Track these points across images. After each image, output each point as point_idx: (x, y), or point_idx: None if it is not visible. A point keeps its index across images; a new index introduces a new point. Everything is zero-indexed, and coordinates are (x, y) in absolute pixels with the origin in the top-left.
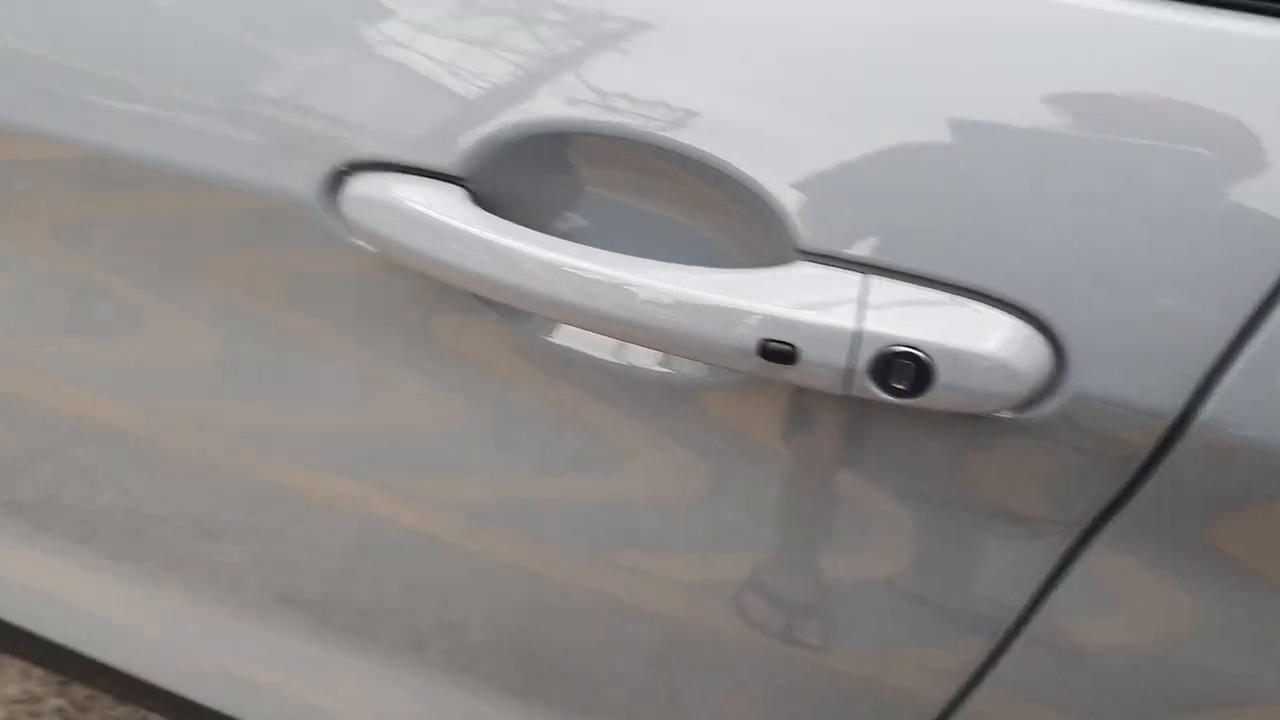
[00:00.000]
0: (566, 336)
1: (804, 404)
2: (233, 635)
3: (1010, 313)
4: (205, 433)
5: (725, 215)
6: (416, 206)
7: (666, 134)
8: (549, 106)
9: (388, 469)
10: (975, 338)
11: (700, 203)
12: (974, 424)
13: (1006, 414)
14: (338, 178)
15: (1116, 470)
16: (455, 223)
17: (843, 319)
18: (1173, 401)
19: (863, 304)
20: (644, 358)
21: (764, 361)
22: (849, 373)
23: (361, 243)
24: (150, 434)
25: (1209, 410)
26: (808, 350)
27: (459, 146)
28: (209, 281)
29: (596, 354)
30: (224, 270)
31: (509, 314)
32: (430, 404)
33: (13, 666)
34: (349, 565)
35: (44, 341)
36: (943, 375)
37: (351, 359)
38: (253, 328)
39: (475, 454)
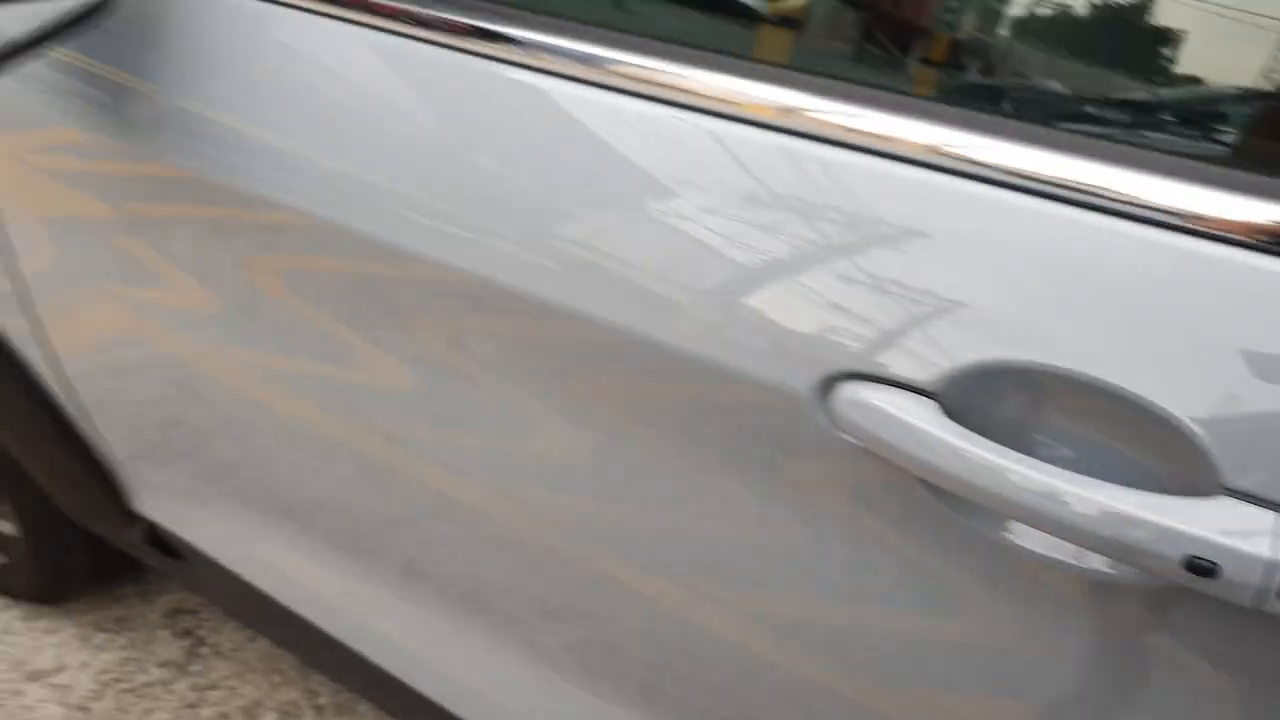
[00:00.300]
0: (1003, 528)
1: (1200, 610)
2: (561, 698)
3: None
4: (555, 524)
5: (1164, 453)
6: (903, 415)
7: (1122, 384)
8: (1014, 348)
9: (758, 589)
10: None
11: (1144, 439)
12: None
13: None
14: (829, 382)
15: None
16: (934, 430)
17: (1258, 549)
18: None
19: (1276, 536)
20: (1063, 550)
21: (1189, 574)
22: (1262, 592)
23: (846, 436)
24: (506, 518)
25: None
26: (1228, 570)
27: (939, 369)
28: (664, 432)
29: (1024, 543)
30: (664, 423)
31: (952, 501)
32: (841, 564)
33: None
34: (669, 660)
35: (432, 431)
36: None
37: (771, 506)
38: (652, 461)
39: (859, 596)
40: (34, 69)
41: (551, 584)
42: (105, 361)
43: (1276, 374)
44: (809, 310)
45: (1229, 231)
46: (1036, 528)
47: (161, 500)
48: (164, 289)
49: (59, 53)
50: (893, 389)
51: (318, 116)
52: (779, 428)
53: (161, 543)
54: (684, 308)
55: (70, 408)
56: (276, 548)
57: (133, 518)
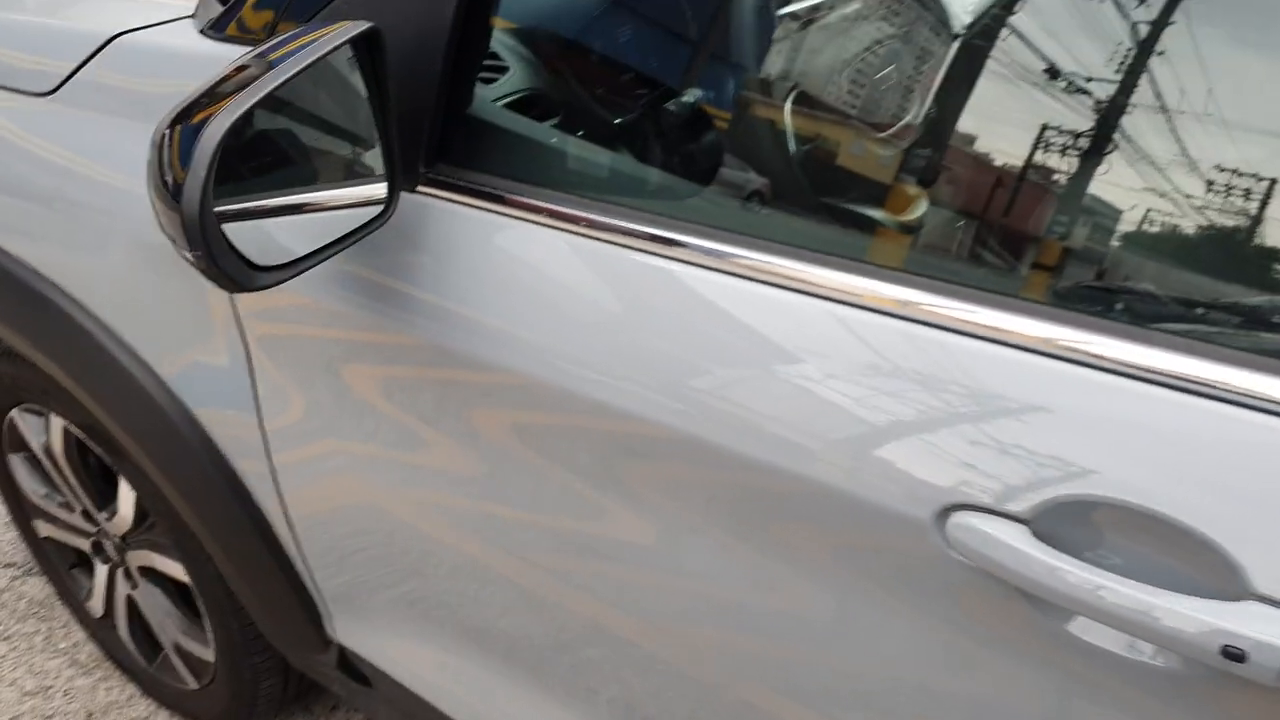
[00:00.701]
0: (1081, 628)
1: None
2: None
3: None
4: (705, 654)
5: (1205, 567)
6: (1004, 539)
7: (1185, 519)
8: (1092, 485)
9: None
10: None
11: (1190, 556)
12: None
13: None
14: (945, 511)
15: None
16: (1029, 551)
17: (1277, 639)
18: None
19: None
20: (1119, 643)
21: (1224, 659)
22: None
23: (958, 556)
24: (653, 646)
25: None
26: (1254, 656)
27: (1031, 502)
28: (799, 556)
29: (1098, 642)
30: (816, 551)
31: (1042, 607)
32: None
33: None
34: None
35: (613, 568)
36: None
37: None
38: (800, 591)
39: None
40: None
41: (694, 711)
42: (324, 505)
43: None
44: (928, 456)
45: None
46: (1108, 625)
47: (357, 628)
48: (380, 444)
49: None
50: (993, 517)
51: (529, 302)
52: (905, 550)
53: (350, 669)
54: (817, 453)
55: (289, 543)
56: (466, 673)
57: (327, 644)
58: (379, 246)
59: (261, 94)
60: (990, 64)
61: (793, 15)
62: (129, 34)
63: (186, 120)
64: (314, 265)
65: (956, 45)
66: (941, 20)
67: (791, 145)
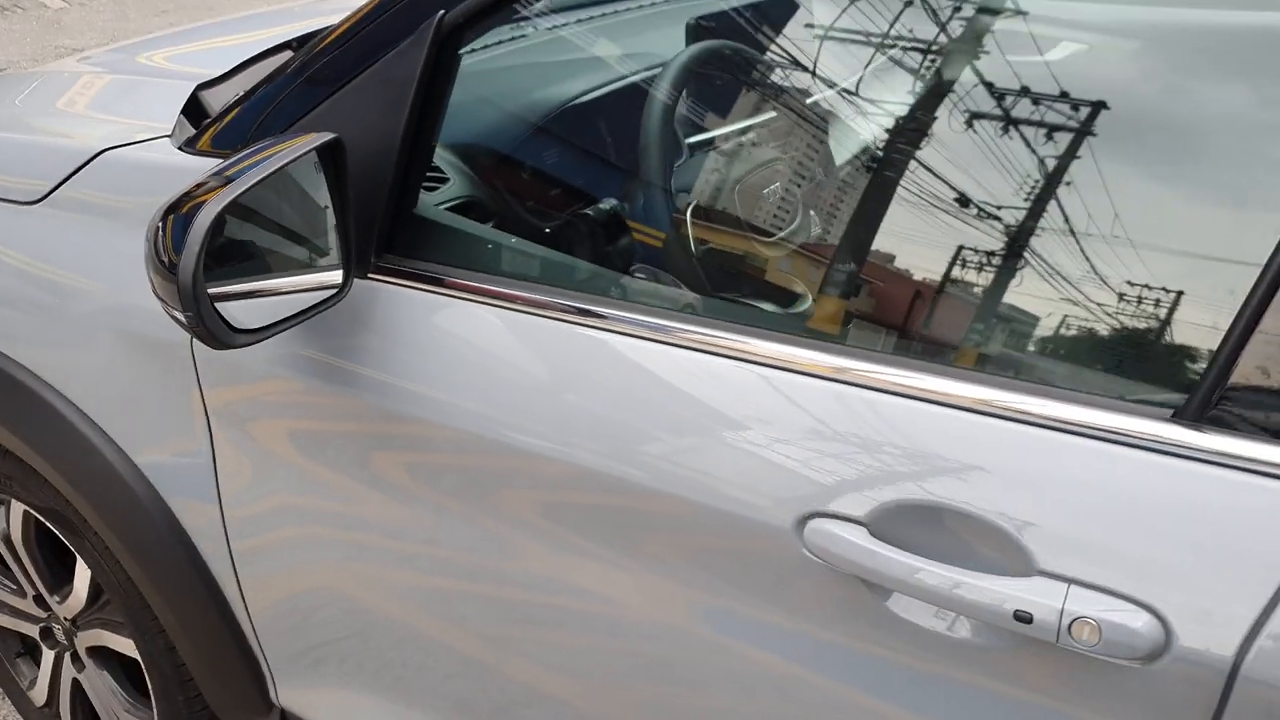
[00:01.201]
0: (903, 607)
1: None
2: None
3: (1141, 607)
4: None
5: (1001, 552)
6: (847, 536)
7: (986, 514)
8: (914, 491)
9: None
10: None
11: (974, 540)
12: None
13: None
14: (803, 519)
15: None
16: (865, 545)
17: (1056, 604)
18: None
19: (1064, 599)
20: (939, 621)
21: (1014, 621)
22: (1059, 631)
23: (808, 552)
24: (586, 703)
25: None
26: (1039, 618)
27: (863, 509)
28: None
29: (921, 620)
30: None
31: (875, 590)
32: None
33: None
34: None
35: (534, 632)
36: (1105, 633)
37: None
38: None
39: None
40: (263, 349)
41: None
42: (278, 585)
43: (1067, 504)
44: (786, 475)
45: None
46: (929, 602)
47: (299, 692)
48: (328, 508)
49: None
50: (839, 521)
51: (461, 371)
52: (772, 553)
53: None
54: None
55: (241, 614)
56: None
57: (270, 708)
58: (334, 328)
59: (246, 187)
60: (865, 181)
61: (696, 142)
62: (113, 150)
63: (177, 211)
64: (281, 331)
65: (837, 163)
66: (818, 144)
67: (692, 246)
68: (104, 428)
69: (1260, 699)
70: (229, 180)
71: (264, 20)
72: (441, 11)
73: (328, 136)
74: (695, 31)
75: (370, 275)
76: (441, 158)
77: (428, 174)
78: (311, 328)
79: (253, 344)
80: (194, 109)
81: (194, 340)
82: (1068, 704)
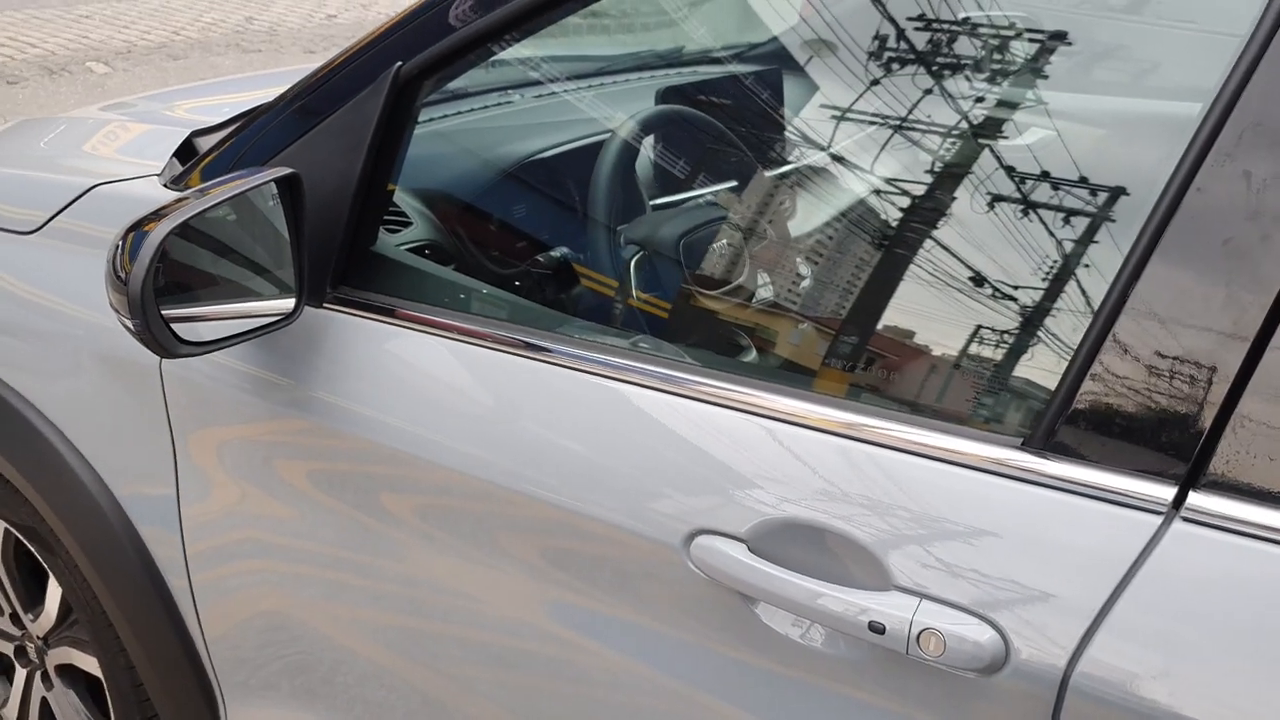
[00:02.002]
0: (777, 620)
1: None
2: None
3: (985, 621)
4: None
5: (856, 561)
6: (725, 550)
7: (850, 531)
8: (789, 509)
9: None
10: (971, 629)
11: (840, 556)
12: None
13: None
14: (690, 536)
15: None
16: (742, 559)
17: (907, 615)
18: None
19: (914, 611)
20: (805, 632)
21: (871, 632)
22: (908, 641)
23: (693, 566)
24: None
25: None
26: (890, 628)
27: (743, 527)
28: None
29: (788, 632)
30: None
31: (750, 603)
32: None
33: None
34: None
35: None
36: (950, 645)
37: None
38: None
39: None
40: (225, 373)
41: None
42: (227, 590)
43: (924, 523)
44: (676, 495)
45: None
46: (794, 613)
47: (249, 714)
48: (287, 535)
49: (239, 363)
50: (721, 537)
51: (405, 395)
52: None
53: None
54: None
55: (193, 629)
56: None
57: None
58: (289, 352)
59: (199, 210)
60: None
61: (652, 194)
62: (105, 185)
63: (138, 229)
64: (225, 347)
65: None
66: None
67: (632, 292)
68: (81, 450)
69: (1087, 712)
70: (186, 204)
71: (286, 78)
72: (399, 63)
73: (285, 171)
74: (663, 97)
75: (325, 304)
76: (406, 203)
77: (391, 216)
78: (267, 353)
79: (197, 354)
80: (188, 152)
81: (162, 366)
82: (917, 713)
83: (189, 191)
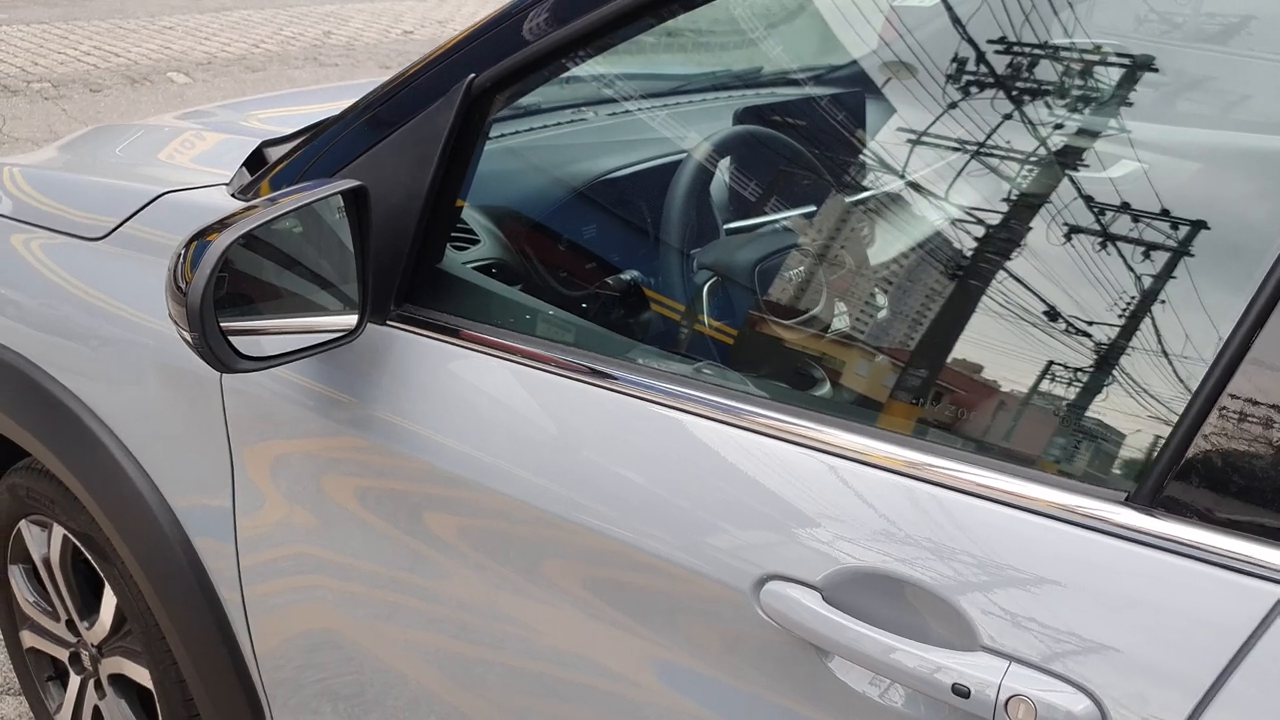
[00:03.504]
0: (852, 676)
1: None
2: None
3: (1080, 690)
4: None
5: (939, 618)
6: (798, 599)
7: (934, 586)
8: (864, 559)
9: None
10: (1065, 698)
11: (922, 611)
12: None
13: None
14: (761, 581)
15: None
16: (819, 610)
17: (995, 679)
18: None
19: (1003, 675)
20: (882, 691)
21: (954, 695)
22: (995, 707)
23: (762, 613)
24: None
25: None
26: (975, 692)
27: (818, 574)
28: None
29: (866, 691)
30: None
31: (824, 656)
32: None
33: None
34: None
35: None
36: (1041, 714)
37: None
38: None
39: None
40: (285, 387)
41: None
42: (280, 605)
43: (1016, 581)
44: (747, 540)
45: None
46: (872, 670)
47: None
48: (343, 553)
49: (300, 377)
50: (794, 584)
51: (468, 418)
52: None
53: None
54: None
55: (244, 645)
56: None
57: None
58: (351, 369)
59: (263, 220)
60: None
61: (730, 220)
62: (172, 193)
63: (201, 239)
64: (285, 363)
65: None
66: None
67: (703, 319)
68: (139, 458)
69: None
70: (252, 213)
71: (360, 90)
72: (472, 75)
73: (353, 183)
74: (740, 118)
75: (389, 322)
76: (475, 220)
77: (459, 233)
78: (329, 369)
79: (256, 370)
80: (258, 162)
81: (223, 378)
82: None
83: (256, 201)
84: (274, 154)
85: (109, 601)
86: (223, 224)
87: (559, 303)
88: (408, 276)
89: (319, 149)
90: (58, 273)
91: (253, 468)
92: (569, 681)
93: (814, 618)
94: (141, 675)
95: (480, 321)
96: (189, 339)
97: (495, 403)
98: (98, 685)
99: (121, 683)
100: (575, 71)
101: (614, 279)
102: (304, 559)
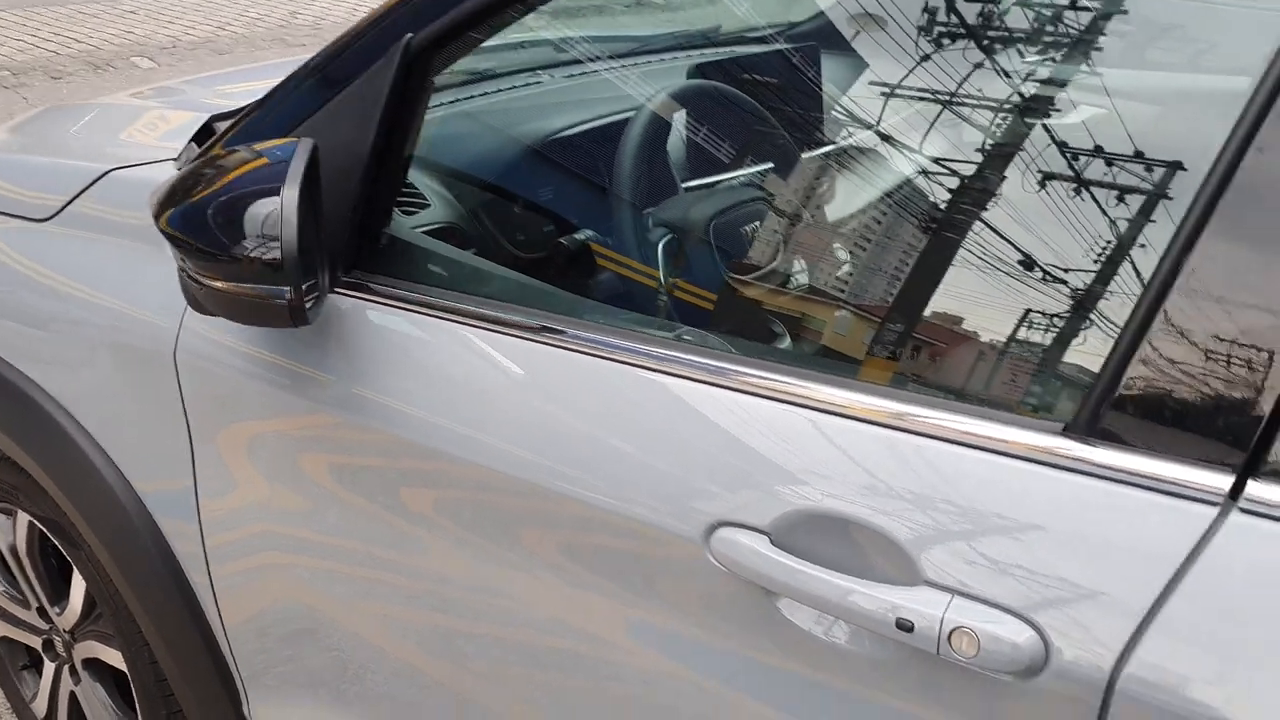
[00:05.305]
0: (800, 616)
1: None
2: None
3: (1023, 620)
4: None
5: (883, 555)
6: (745, 543)
7: (878, 523)
8: (809, 501)
9: None
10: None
11: (867, 550)
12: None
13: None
14: (711, 527)
15: None
16: (766, 553)
17: (937, 613)
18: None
19: (946, 609)
20: (829, 630)
21: (898, 630)
22: (939, 641)
23: (714, 560)
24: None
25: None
26: (919, 626)
27: (765, 519)
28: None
29: (812, 630)
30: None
31: (772, 598)
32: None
33: None
34: None
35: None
36: (985, 645)
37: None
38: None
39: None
40: (236, 359)
41: None
42: (248, 584)
43: (957, 515)
44: (697, 486)
45: None
46: (820, 609)
47: (272, 708)
48: (304, 526)
49: (261, 351)
50: (742, 530)
51: (416, 382)
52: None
53: None
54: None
55: (214, 623)
56: None
57: None
58: (306, 341)
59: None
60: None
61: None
62: (120, 170)
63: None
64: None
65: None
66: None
67: (660, 277)
68: (100, 442)
69: (1135, 716)
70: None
71: None
72: (409, 35)
73: (303, 141)
74: (695, 73)
75: (336, 290)
76: (425, 184)
77: (409, 198)
78: (284, 341)
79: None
80: (208, 136)
81: (177, 351)
82: (948, 718)
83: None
84: (224, 127)
85: (78, 587)
86: (203, 181)
87: (513, 265)
88: (354, 242)
89: (265, 115)
90: (7, 254)
91: (211, 445)
92: (551, 649)
93: (759, 560)
94: (115, 658)
95: (433, 286)
96: (287, 295)
97: (448, 367)
98: (72, 671)
99: (96, 667)
100: (528, 35)
101: (569, 239)
102: (269, 537)
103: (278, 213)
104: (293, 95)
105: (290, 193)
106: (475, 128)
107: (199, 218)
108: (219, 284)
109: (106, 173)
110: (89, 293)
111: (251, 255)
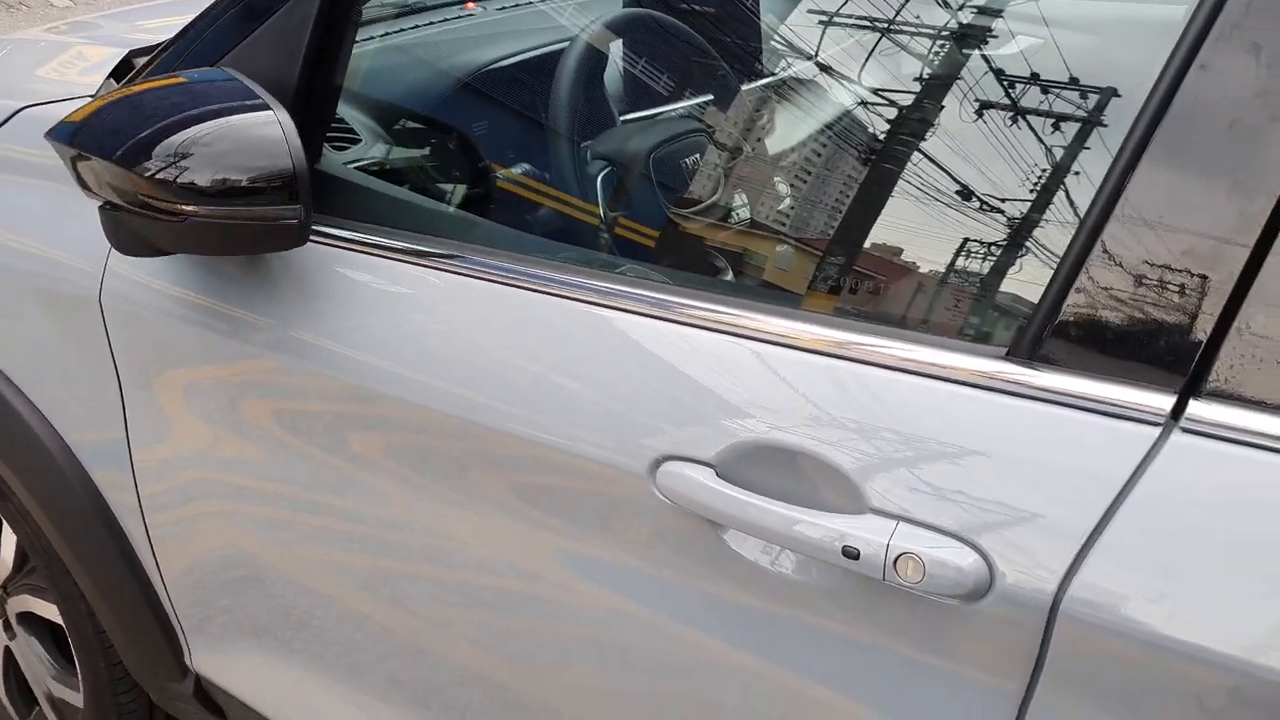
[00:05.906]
0: (746, 547)
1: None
2: None
3: (967, 545)
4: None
5: (829, 484)
6: (690, 475)
7: (823, 453)
8: (753, 433)
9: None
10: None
11: (812, 479)
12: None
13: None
14: (657, 462)
15: None
16: (707, 484)
17: (882, 540)
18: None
19: (891, 535)
20: (777, 560)
21: (845, 558)
22: (885, 568)
23: (660, 494)
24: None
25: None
26: (865, 553)
27: (710, 452)
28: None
29: (759, 560)
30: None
31: (719, 529)
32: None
33: None
34: None
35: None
36: (930, 570)
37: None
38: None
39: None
40: (164, 301)
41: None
42: (185, 533)
43: (901, 441)
44: (642, 422)
45: None
46: (768, 540)
47: (213, 658)
48: (243, 473)
49: (194, 295)
50: (687, 463)
51: (378, 330)
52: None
53: (205, 698)
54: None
55: (156, 581)
56: (321, 700)
57: (185, 673)
58: (224, 273)
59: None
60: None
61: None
62: (33, 107)
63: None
64: None
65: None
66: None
67: (600, 211)
68: (26, 392)
69: (1078, 639)
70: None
71: None
72: None
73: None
74: (631, 2)
75: None
76: (356, 119)
77: (338, 133)
78: (213, 281)
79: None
80: (126, 71)
81: (102, 296)
82: (896, 643)
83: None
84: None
85: (9, 540)
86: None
87: (449, 201)
88: None
89: (185, 48)
90: None
91: (142, 393)
92: (499, 590)
93: (704, 492)
94: (50, 611)
95: (369, 223)
96: (295, 215)
97: (381, 304)
98: (6, 626)
99: (31, 621)
100: None
101: (505, 174)
102: (205, 484)
103: (279, 133)
104: (214, 28)
105: (282, 113)
106: (406, 60)
107: (168, 149)
108: (204, 213)
109: (19, 110)
110: (9, 237)
111: (256, 180)
